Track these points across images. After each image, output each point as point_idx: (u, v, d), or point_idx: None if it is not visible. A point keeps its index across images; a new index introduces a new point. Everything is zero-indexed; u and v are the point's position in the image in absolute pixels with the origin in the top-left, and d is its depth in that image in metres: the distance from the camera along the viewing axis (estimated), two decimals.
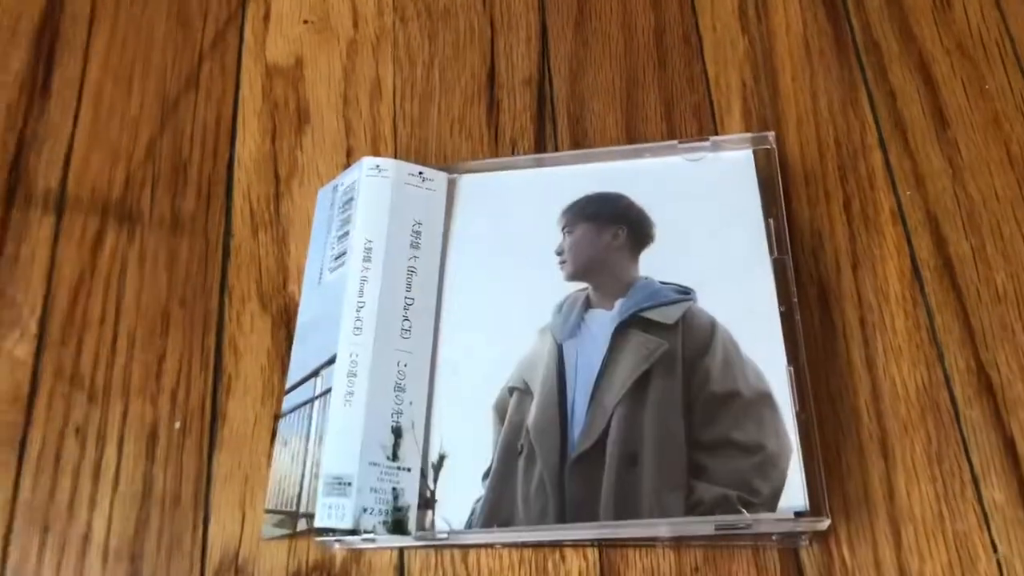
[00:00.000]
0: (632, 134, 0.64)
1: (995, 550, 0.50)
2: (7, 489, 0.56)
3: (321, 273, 0.59)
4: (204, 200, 0.64)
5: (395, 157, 0.63)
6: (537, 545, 0.52)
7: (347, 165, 0.64)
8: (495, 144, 0.65)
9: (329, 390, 0.54)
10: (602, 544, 0.52)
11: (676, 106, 0.64)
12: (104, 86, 0.69)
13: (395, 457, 0.53)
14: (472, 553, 0.53)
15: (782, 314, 0.54)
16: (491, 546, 0.53)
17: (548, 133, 0.65)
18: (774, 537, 0.51)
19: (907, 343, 0.56)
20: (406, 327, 0.56)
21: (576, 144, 0.64)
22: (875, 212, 0.60)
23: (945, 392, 0.54)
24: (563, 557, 0.52)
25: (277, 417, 0.57)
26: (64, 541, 0.55)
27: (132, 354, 0.60)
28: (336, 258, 0.58)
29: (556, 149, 0.64)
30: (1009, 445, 0.53)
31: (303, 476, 0.53)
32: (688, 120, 0.64)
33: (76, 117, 0.68)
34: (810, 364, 0.54)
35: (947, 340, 0.56)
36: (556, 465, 0.52)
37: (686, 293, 0.55)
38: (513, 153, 0.64)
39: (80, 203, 0.65)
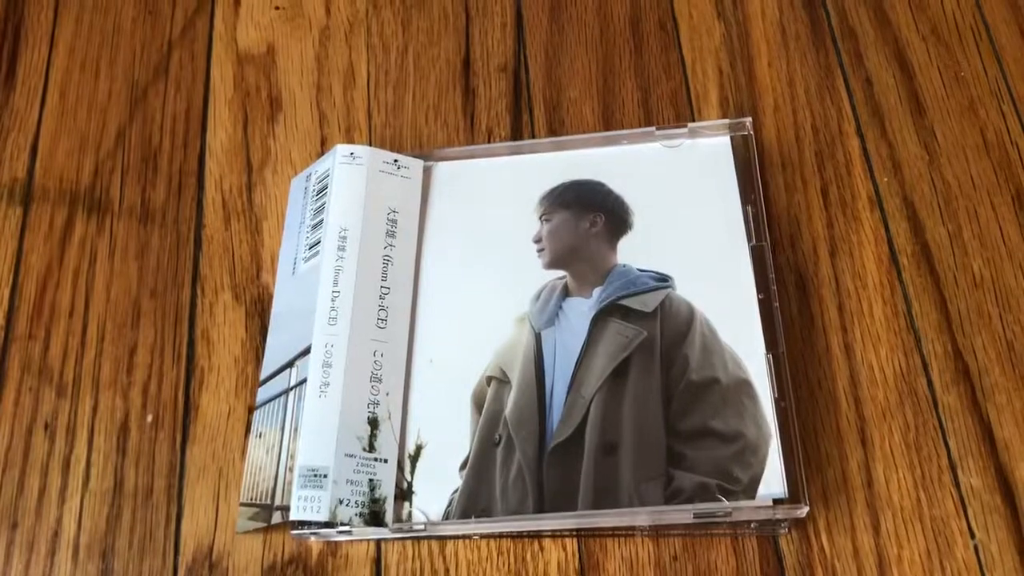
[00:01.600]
0: (609, 121, 0.63)
1: (972, 536, 0.50)
2: None
3: (295, 263, 0.58)
4: (175, 190, 0.63)
5: (370, 145, 0.62)
6: (516, 536, 0.52)
7: (321, 154, 0.63)
8: (471, 132, 0.64)
9: (304, 381, 0.53)
10: (581, 534, 0.52)
11: (653, 93, 0.64)
12: (71, 74, 0.68)
13: (371, 448, 0.52)
14: (450, 544, 0.52)
15: (760, 301, 0.54)
16: (469, 537, 0.52)
17: (524, 121, 0.64)
18: (753, 525, 0.51)
19: (885, 330, 0.56)
20: (382, 317, 0.55)
21: (553, 132, 0.63)
22: (852, 198, 0.59)
23: (923, 378, 0.54)
24: (542, 547, 0.52)
25: (251, 409, 0.56)
26: (33, 538, 0.54)
27: (102, 347, 0.59)
28: (310, 247, 0.57)
29: (533, 137, 0.63)
30: (986, 430, 0.53)
31: (278, 468, 0.52)
32: (665, 107, 0.63)
33: (42, 105, 0.67)
34: (788, 351, 0.54)
35: (924, 326, 0.56)
36: (534, 455, 0.52)
37: (664, 280, 0.55)
38: (489, 141, 0.63)
39: (47, 193, 0.64)
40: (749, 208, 0.56)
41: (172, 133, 0.65)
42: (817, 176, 0.60)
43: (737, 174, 0.58)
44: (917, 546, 0.50)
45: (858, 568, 0.50)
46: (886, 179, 0.60)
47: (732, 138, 0.59)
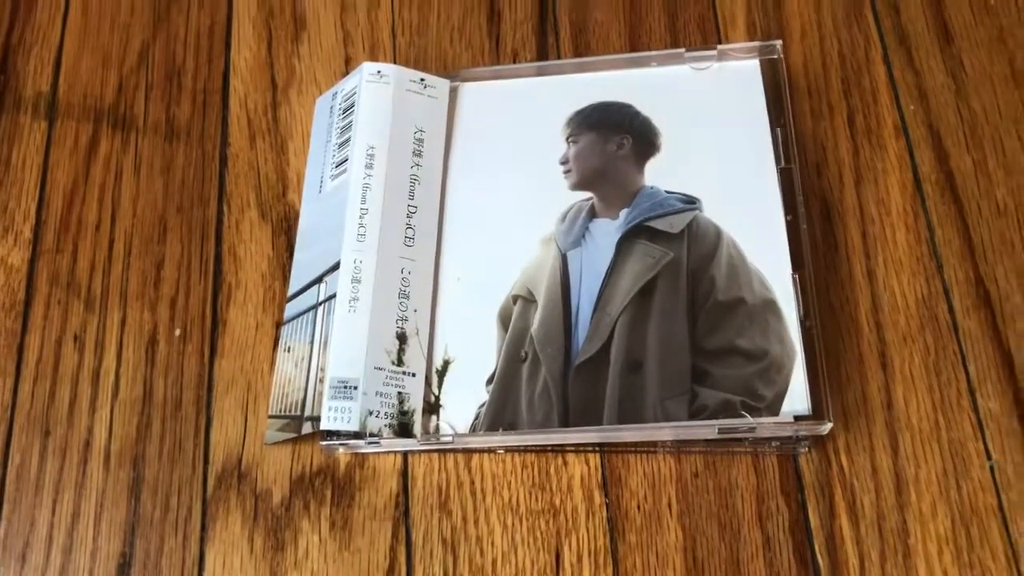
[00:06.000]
0: (635, 45, 0.63)
1: (988, 457, 0.51)
2: (6, 395, 0.56)
3: (322, 181, 0.58)
4: (200, 108, 0.63)
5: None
6: (540, 450, 0.53)
7: (346, 74, 0.63)
8: (496, 54, 0.64)
9: (333, 296, 0.53)
10: (604, 449, 0.53)
11: (679, 17, 0.63)
12: None
13: (400, 362, 0.53)
14: (475, 458, 0.53)
15: (788, 223, 0.54)
16: (494, 451, 0.53)
17: (550, 44, 0.64)
18: (774, 443, 0.51)
19: (907, 256, 0.56)
20: (409, 235, 0.56)
21: (579, 55, 0.63)
22: (878, 126, 0.59)
23: (944, 304, 0.55)
24: (565, 462, 0.53)
25: (279, 324, 0.56)
26: (65, 446, 0.55)
27: (129, 261, 0.59)
28: (337, 165, 0.58)
29: (558, 60, 0.63)
30: (1005, 356, 0.53)
31: (307, 381, 0.53)
32: (692, 32, 0.63)
33: (64, 21, 0.66)
34: (812, 276, 0.54)
35: (947, 253, 0.56)
36: (560, 371, 0.52)
37: (692, 202, 0.55)
38: (514, 63, 0.63)
39: (72, 109, 0.63)
40: (779, 131, 0.56)
41: (196, 50, 0.65)
42: (843, 103, 0.60)
43: (766, 97, 0.57)
44: (934, 466, 0.51)
45: (876, 487, 0.51)
46: (912, 107, 0.60)
47: (761, 61, 0.59)
